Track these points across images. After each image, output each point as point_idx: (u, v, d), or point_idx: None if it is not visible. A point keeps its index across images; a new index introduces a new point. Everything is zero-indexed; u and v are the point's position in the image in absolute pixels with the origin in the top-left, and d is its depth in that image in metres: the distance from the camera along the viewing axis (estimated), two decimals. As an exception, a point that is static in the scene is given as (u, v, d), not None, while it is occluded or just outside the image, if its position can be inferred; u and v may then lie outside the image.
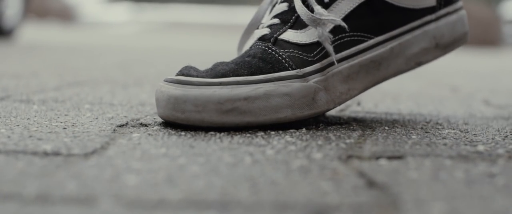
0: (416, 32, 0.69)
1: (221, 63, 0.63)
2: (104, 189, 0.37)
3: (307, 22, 0.63)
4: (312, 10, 0.64)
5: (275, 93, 0.60)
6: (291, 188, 0.39)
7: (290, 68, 0.62)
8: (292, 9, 0.65)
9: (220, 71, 0.60)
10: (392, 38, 0.68)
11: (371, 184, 0.40)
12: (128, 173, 0.41)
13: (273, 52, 0.63)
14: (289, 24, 0.65)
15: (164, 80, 0.61)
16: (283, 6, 0.66)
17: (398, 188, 0.39)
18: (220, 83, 0.59)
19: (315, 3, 0.64)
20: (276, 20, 0.65)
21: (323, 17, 0.63)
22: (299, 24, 0.64)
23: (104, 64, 1.69)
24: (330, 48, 0.64)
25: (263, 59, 0.62)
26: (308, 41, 0.64)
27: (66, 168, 0.42)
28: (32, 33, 4.37)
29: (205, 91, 0.58)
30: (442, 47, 0.71)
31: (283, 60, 0.62)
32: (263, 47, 0.63)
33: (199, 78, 0.59)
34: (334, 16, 0.64)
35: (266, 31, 0.65)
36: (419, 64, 0.70)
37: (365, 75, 0.67)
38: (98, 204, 0.34)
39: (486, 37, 6.94)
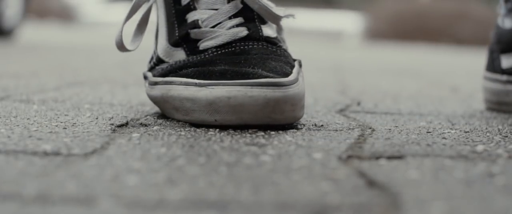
0: None
1: (226, 61, 0.62)
2: (104, 189, 0.37)
3: (266, 18, 0.64)
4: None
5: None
6: (291, 188, 0.39)
7: (293, 59, 0.64)
8: (246, 6, 0.64)
9: (275, 67, 0.60)
10: None
11: (371, 184, 0.40)
12: (128, 173, 0.41)
13: (275, 49, 0.63)
14: (256, 20, 0.64)
15: (242, 85, 0.57)
16: (237, 4, 0.64)
17: (398, 188, 0.39)
18: (296, 81, 0.59)
19: None
20: (240, 20, 0.64)
21: (280, 13, 0.64)
22: (262, 19, 0.65)
23: (104, 64, 1.69)
24: (284, 37, 0.67)
25: (279, 55, 0.63)
26: (276, 34, 0.65)
27: (66, 168, 0.42)
28: (32, 33, 4.37)
29: (295, 89, 0.59)
30: None
31: (286, 53, 0.64)
32: (261, 46, 0.63)
33: (285, 78, 0.59)
34: (284, 9, 0.66)
35: (245, 30, 0.63)
36: None
37: None
38: (98, 204, 0.34)
39: (486, 37, 6.94)
